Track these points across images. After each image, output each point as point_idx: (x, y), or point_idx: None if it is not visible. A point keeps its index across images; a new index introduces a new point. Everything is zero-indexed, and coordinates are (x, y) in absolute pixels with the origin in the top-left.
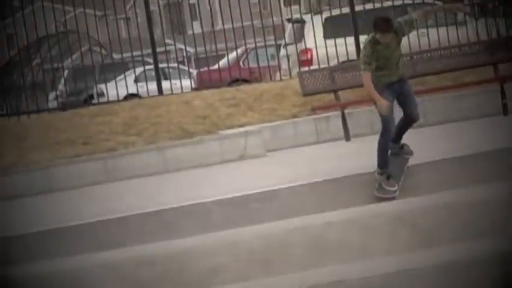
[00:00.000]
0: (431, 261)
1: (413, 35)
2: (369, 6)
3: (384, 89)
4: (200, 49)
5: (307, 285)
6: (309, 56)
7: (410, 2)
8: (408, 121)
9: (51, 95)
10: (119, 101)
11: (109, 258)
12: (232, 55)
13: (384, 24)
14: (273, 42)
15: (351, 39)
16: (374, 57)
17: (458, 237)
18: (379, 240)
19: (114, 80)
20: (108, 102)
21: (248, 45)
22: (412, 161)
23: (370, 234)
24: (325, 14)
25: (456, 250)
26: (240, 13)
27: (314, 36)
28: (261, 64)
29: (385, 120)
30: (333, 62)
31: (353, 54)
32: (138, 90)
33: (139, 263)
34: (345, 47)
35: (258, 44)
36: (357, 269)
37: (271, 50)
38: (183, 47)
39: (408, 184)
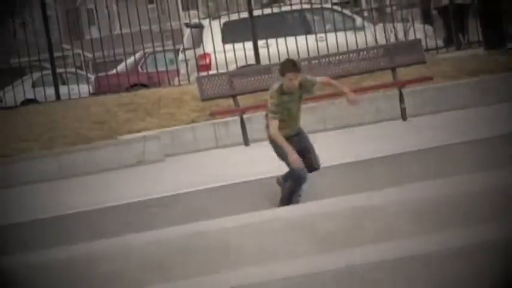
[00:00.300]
0: (331, 265)
1: (311, 39)
2: (267, 11)
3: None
4: (98, 54)
5: None
6: (207, 60)
7: (308, 7)
8: (310, 171)
9: None
10: (16, 106)
11: None
12: (130, 60)
13: (293, 64)
14: (171, 47)
15: (249, 44)
16: (279, 109)
17: (355, 242)
18: (278, 245)
19: (11, 85)
20: (5, 107)
21: (146, 50)
22: None
23: (269, 239)
24: (224, 19)
25: (354, 254)
26: (138, 17)
27: (212, 41)
28: (160, 69)
29: (299, 174)
30: (232, 67)
31: (251, 59)
32: (35, 96)
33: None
34: (243, 51)
35: (156, 49)
36: (254, 274)
37: (170, 55)
38: (80, 52)
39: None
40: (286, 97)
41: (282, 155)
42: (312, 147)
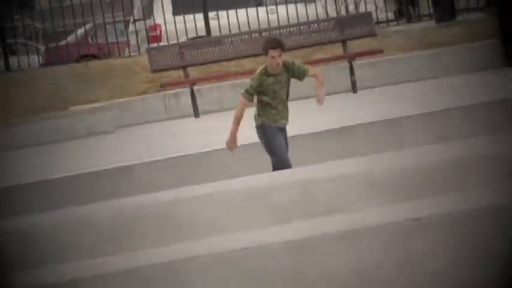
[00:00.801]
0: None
1: (262, 11)
2: None
3: (278, 131)
4: (48, 25)
5: (154, 261)
6: (157, 32)
7: None
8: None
9: None
10: None
11: None
12: (81, 31)
13: (276, 41)
14: (121, 18)
15: (200, 16)
16: (259, 90)
17: (307, 214)
18: (232, 216)
19: None
20: None
21: (97, 21)
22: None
23: (223, 210)
24: None
25: (306, 226)
26: None
27: (163, 13)
28: (110, 40)
29: (277, 163)
30: (182, 39)
31: (202, 31)
32: None
33: None
34: (194, 23)
35: (107, 20)
36: (208, 245)
37: (120, 26)
38: (30, 22)
39: None
40: (272, 79)
41: (266, 145)
42: (287, 144)
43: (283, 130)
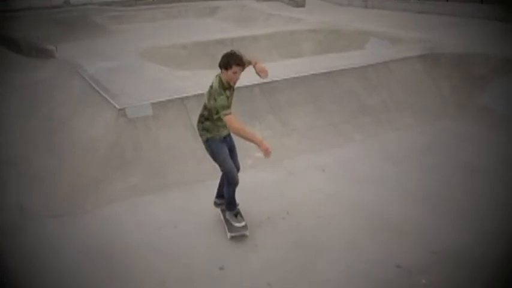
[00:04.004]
0: None
1: None
2: None
3: (222, 142)
4: None
5: None
6: None
7: None
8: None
9: None
10: None
11: None
12: None
13: (241, 58)
14: None
15: None
16: (229, 103)
17: None
18: None
19: None
20: None
21: None
22: None
23: None
24: None
25: None
26: None
27: None
28: None
29: (231, 172)
30: None
31: None
32: None
33: None
34: None
35: None
36: None
37: None
38: None
39: None
40: (228, 91)
41: (216, 156)
42: (235, 148)
43: (228, 135)
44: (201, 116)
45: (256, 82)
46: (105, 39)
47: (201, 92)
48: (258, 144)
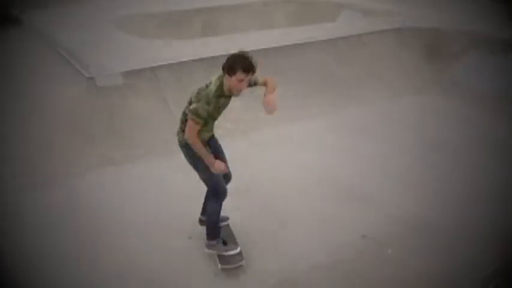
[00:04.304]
0: None
1: None
2: None
3: (205, 146)
4: None
5: None
6: None
7: None
8: (225, 181)
9: None
10: None
11: None
12: None
13: (251, 63)
14: None
15: None
16: (210, 114)
17: None
18: None
19: None
20: None
21: None
22: None
23: None
24: None
25: None
26: None
27: None
28: None
29: (217, 183)
30: None
31: None
32: None
33: None
34: None
35: None
36: None
37: None
38: None
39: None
40: (223, 100)
41: (198, 166)
42: (223, 152)
43: (212, 138)
44: (182, 122)
45: (223, 53)
46: (78, 5)
47: (172, 62)
48: (210, 165)
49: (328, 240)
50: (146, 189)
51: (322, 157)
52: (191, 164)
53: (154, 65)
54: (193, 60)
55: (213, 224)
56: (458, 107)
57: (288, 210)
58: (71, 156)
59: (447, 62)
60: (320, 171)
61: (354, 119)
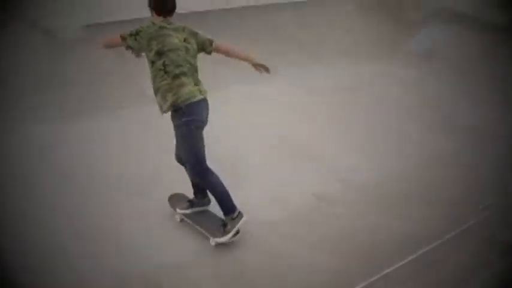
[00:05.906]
0: None
1: None
2: None
3: (193, 111)
4: None
5: None
6: None
7: None
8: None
9: None
10: None
11: None
12: None
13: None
14: None
15: None
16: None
17: None
18: None
19: None
20: None
21: None
22: None
23: None
24: None
25: None
26: None
27: None
28: None
29: (198, 155)
30: None
31: None
32: None
33: None
34: None
35: None
36: None
37: None
38: None
39: None
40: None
41: (177, 139)
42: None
43: (204, 101)
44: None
45: (184, 11)
46: None
47: (137, 16)
48: (250, 60)
49: (281, 196)
50: (107, 142)
51: (275, 116)
52: (180, 139)
53: (118, 19)
54: None
55: (224, 198)
56: (414, 75)
57: (240, 169)
58: (31, 112)
59: (406, 31)
60: (273, 130)
61: (310, 81)
